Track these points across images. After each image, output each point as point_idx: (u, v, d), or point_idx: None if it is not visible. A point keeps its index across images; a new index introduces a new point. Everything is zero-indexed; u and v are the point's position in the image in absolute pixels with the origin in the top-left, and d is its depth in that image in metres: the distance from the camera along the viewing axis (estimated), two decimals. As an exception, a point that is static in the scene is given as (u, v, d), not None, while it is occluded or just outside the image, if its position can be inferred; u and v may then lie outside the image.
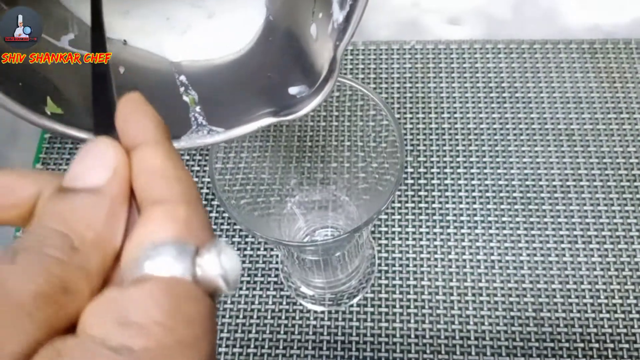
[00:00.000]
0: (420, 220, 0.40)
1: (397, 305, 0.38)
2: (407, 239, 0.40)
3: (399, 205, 0.41)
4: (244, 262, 0.40)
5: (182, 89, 0.28)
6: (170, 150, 0.16)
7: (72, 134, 0.24)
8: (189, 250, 0.14)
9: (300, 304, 0.38)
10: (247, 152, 0.34)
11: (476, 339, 0.36)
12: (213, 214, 0.41)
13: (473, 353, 0.36)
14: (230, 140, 0.30)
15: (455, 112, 0.44)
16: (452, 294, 0.38)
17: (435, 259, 0.39)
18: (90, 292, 0.14)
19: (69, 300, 0.13)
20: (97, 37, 0.21)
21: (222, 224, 0.41)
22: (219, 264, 0.14)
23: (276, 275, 0.39)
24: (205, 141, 0.26)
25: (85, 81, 0.24)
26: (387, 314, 0.37)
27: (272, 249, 0.40)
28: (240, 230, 0.41)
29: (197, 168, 0.43)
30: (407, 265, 0.39)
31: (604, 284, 0.38)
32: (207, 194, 0.42)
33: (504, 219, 0.40)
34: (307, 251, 0.30)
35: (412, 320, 0.37)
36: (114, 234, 0.15)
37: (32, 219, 0.16)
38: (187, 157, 0.43)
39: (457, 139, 0.43)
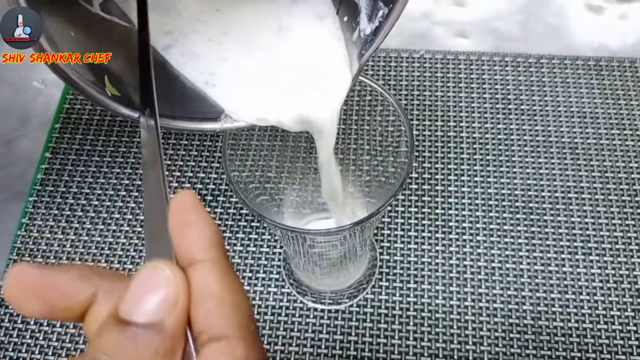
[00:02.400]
0: (423, 225, 0.41)
1: (397, 307, 0.38)
2: (409, 243, 0.40)
3: (402, 209, 0.41)
4: (246, 258, 0.40)
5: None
6: (226, 269, 0.16)
7: (131, 115, 0.24)
8: None
9: (301, 302, 0.38)
10: (254, 151, 0.35)
11: (474, 344, 0.37)
12: (218, 210, 0.42)
13: (470, 358, 0.36)
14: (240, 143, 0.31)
15: (461, 121, 0.44)
16: (451, 299, 0.38)
17: (436, 264, 0.39)
18: None
19: None
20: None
21: (226, 219, 0.41)
22: None
23: (278, 273, 0.39)
24: (232, 126, 0.27)
25: (129, 58, 0.24)
26: (386, 315, 0.38)
27: (275, 246, 0.40)
28: (244, 226, 0.41)
29: (204, 164, 0.43)
30: (408, 269, 0.39)
31: (603, 295, 0.38)
32: (218, 182, 0.42)
33: (505, 227, 0.40)
34: (309, 239, 0.31)
35: (411, 323, 0.37)
36: None
37: (86, 322, 0.16)
38: (198, 142, 0.44)
39: (462, 147, 0.43)
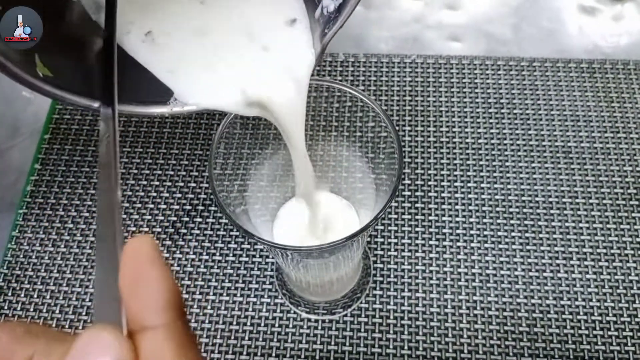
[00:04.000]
0: (417, 232, 0.40)
1: (391, 317, 0.38)
2: (402, 251, 0.40)
3: (396, 216, 0.41)
4: (239, 268, 0.40)
5: None
6: (181, 338, 0.15)
7: (67, 97, 0.23)
8: None
9: (294, 312, 0.38)
10: (245, 159, 0.34)
11: (469, 352, 0.36)
12: (210, 219, 0.41)
13: (466, 366, 0.36)
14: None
15: (453, 126, 0.44)
16: (446, 307, 0.38)
17: (431, 271, 0.39)
18: None
19: None
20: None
21: (218, 229, 0.41)
22: None
23: (271, 283, 0.39)
24: (182, 110, 0.25)
25: (69, 39, 0.23)
26: (380, 324, 0.37)
27: (267, 256, 0.40)
28: (237, 236, 0.41)
29: (195, 173, 0.43)
30: (402, 277, 0.39)
31: (598, 301, 0.38)
32: (209, 192, 0.42)
33: (499, 233, 0.40)
34: (302, 255, 0.30)
35: (406, 332, 0.37)
36: None
37: None
38: (189, 152, 0.43)
39: (454, 153, 0.43)
